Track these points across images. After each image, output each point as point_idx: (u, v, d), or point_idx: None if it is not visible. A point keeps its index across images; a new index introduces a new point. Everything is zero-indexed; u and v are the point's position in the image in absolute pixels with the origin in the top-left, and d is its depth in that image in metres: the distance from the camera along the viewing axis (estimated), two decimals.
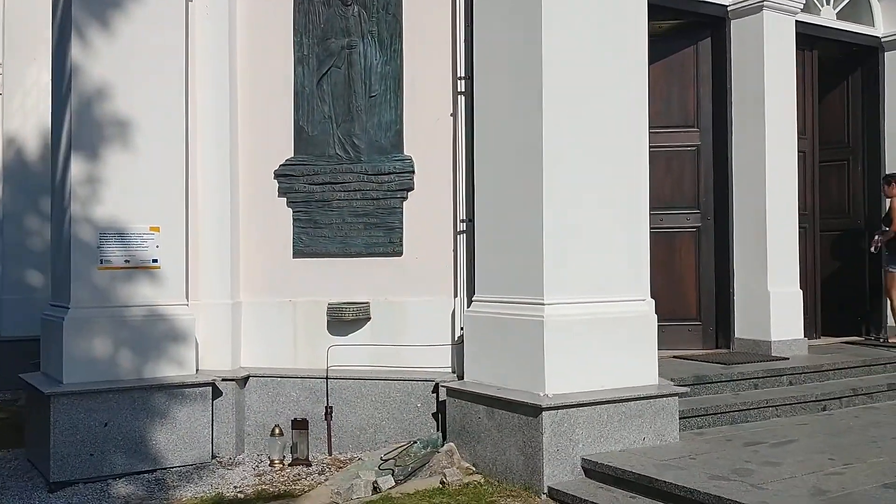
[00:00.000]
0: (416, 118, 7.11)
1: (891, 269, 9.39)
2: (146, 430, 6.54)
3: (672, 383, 6.34)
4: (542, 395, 5.66)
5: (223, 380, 6.96)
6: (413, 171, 7.09)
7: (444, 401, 6.58)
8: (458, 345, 6.82)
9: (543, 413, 5.49)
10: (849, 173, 10.25)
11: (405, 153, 7.12)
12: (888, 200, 9.40)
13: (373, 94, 7.17)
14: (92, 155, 6.60)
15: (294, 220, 7.34)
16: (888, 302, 9.50)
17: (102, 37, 6.64)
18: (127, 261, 6.71)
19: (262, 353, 7.34)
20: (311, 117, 7.30)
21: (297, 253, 7.32)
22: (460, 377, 6.71)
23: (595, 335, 5.90)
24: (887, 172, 9.71)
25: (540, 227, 5.80)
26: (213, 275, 7.19)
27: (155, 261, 6.81)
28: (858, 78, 10.22)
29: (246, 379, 7.12)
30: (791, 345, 8.37)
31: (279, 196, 7.38)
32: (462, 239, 6.88)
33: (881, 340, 9.44)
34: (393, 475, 6.25)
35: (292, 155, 7.35)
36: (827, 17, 9.54)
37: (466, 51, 6.83)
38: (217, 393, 6.90)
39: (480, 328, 6.32)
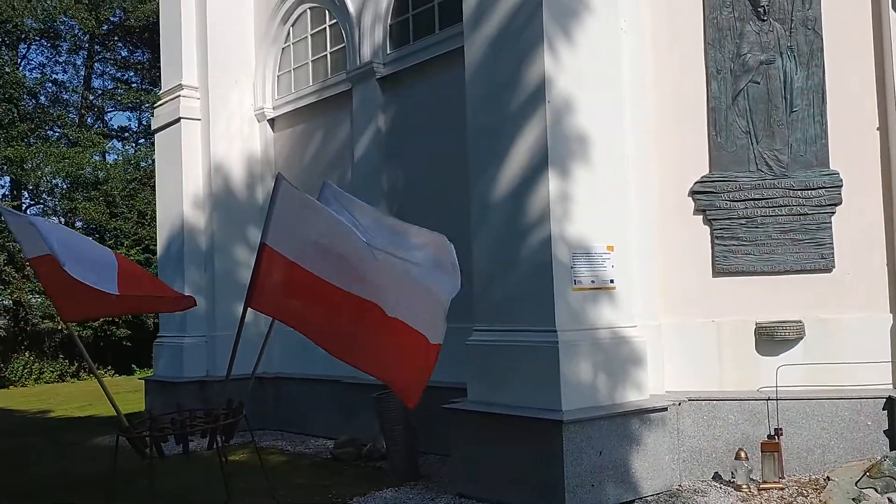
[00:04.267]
0: (840, 132, 7.05)
1: None
2: (627, 457, 6.22)
3: None
4: None
5: (678, 404, 6.69)
6: (841, 186, 7.01)
7: None
8: None
9: None
10: None
11: (831, 168, 7.03)
12: None
13: (794, 110, 7.08)
14: (563, 171, 6.32)
15: (714, 237, 7.15)
16: None
17: (567, 49, 6.40)
18: (592, 281, 6.42)
19: (685, 374, 7.09)
20: (728, 133, 7.16)
21: (718, 271, 7.13)
22: None
23: None
24: None
25: None
26: (640, 295, 6.93)
27: (612, 281, 6.53)
28: None
29: (679, 403, 6.85)
30: None
31: (695, 213, 7.20)
32: None
33: None
34: (877, 491, 6.11)
35: (707, 171, 7.19)
36: None
37: None
38: None
39: None
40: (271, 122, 11.64)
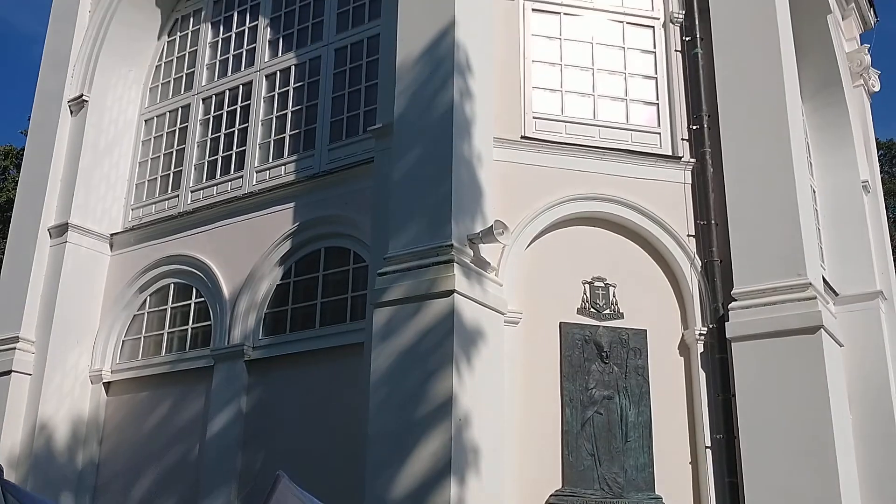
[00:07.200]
0: (663, 463, 8.58)
1: None
2: None
3: None
4: None
5: None
6: None
7: None
8: None
9: None
10: None
11: (656, 492, 8.45)
12: None
13: (628, 440, 8.58)
14: (461, 479, 7.19)
15: None
16: None
17: (468, 371, 7.54)
18: None
19: None
20: (578, 455, 8.46)
21: None
22: None
23: None
24: None
25: None
26: None
27: None
28: None
29: None
30: None
31: None
32: None
33: None
34: None
35: (560, 486, 8.33)
36: None
37: (712, 415, 8.60)
38: None
39: None
40: (106, 385, 11.54)
